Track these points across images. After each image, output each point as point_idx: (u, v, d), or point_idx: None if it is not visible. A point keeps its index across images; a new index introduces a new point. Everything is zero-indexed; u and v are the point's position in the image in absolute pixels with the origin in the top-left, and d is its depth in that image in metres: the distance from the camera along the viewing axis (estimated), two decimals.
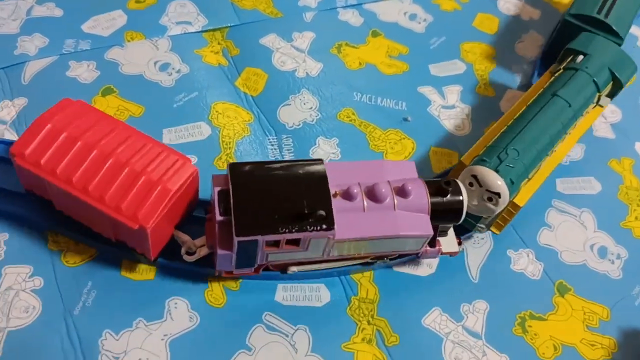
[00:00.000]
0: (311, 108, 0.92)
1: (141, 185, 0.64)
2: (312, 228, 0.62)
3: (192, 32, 1.00)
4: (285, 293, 0.74)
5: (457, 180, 0.70)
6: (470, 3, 1.14)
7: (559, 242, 0.83)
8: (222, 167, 0.83)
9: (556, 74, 0.86)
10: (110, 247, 0.72)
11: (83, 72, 0.91)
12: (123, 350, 0.67)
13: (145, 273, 0.73)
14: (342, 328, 0.72)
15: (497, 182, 0.69)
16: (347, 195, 0.65)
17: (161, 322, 0.69)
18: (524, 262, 0.80)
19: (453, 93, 0.98)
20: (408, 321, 0.73)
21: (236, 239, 0.61)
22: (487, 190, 0.69)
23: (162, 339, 0.68)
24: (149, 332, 0.68)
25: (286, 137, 0.88)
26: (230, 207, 0.61)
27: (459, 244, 0.75)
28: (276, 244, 0.64)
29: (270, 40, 1.01)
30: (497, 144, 0.74)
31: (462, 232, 0.77)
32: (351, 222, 0.65)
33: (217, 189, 0.64)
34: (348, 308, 0.74)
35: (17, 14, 0.98)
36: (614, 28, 0.93)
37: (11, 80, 0.89)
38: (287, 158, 0.86)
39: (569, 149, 0.83)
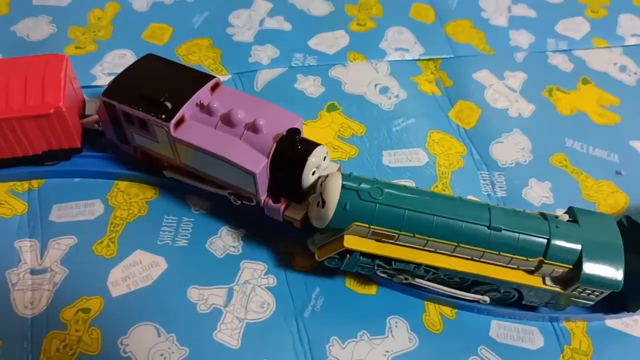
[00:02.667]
0: (523, 149, 0.93)
1: (32, 85, 0.73)
2: (153, 113, 0.70)
3: (408, 60, 1.03)
4: (500, 330, 0.75)
5: (319, 145, 0.68)
6: None
7: None
8: None
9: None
10: None
11: (309, 86, 0.96)
12: (349, 359, 0.70)
13: (368, 288, 0.76)
14: None
15: (332, 191, 0.64)
16: (208, 110, 0.71)
17: (383, 338, 0.72)
18: None
19: None
20: None
21: (101, 98, 0.73)
22: (321, 194, 0.66)
23: (385, 355, 0.71)
24: (372, 346, 0.71)
25: (499, 174, 0.90)
26: None
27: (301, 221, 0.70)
28: (131, 120, 0.73)
29: (483, 75, 1.03)
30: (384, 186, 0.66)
31: None
32: (197, 130, 0.71)
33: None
34: (561, 356, 0.74)
35: (251, 24, 1.04)
36: None
37: (245, 86, 0.95)
38: (499, 195, 0.87)
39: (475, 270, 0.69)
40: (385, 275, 0.72)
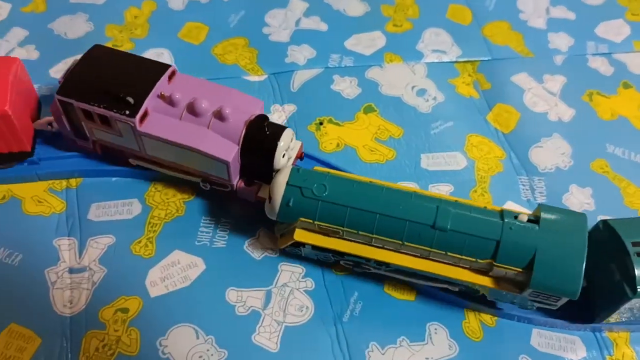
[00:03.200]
0: (563, 153, 0.91)
1: None
2: (115, 110, 0.69)
3: (445, 62, 1.02)
4: (541, 339, 0.73)
5: (286, 128, 0.70)
6: None
7: None
8: (476, 198, 0.84)
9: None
10: None
11: (346, 87, 0.95)
12: None
13: (407, 294, 0.75)
14: None
15: (277, 188, 0.67)
16: (170, 100, 0.70)
17: (422, 345, 0.71)
18: None
19: None
20: None
21: (56, 96, 0.70)
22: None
23: None
24: (411, 352, 0.70)
25: (538, 180, 0.88)
26: None
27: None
28: (91, 117, 0.71)
29: (521, 79, 1.01)
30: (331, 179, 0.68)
31: None
32: (164, 124, 0.70)
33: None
34: None
35: (287, 24, 1.04)
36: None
37: (281, 86, 0.94)
38: (539, 201, 0.86)
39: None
40: (349, 266, 0.73)
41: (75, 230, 0.76)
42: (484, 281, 0.67)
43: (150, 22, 1.02)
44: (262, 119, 0.70)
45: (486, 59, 1.03)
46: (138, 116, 0.70)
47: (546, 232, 0.64)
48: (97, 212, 0.78)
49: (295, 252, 0.74)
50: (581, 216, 0.66)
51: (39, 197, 0.79)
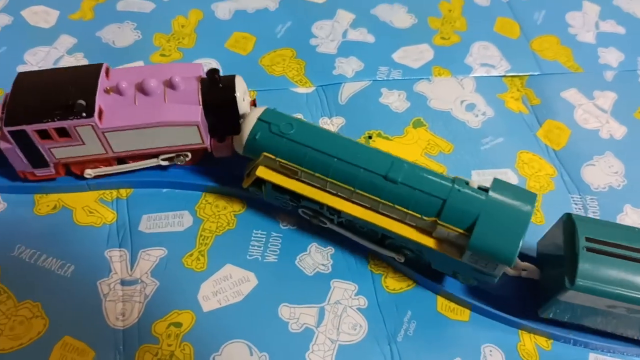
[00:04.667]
0: (617, 172, 0.90)
1: None
2: (72, 117, 0.68)
3: (494, 76, 1.00)
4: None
5: (235, 75, 0.73)
6: None
7: None
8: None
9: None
10: (428, 280, 0.74)
11: (394, 100, 0.94)
12: None
13: (460, 313, 0.73)
14: None
15: (248, 121, 0.71)
16: (118, 90, 0.71)
17: None
18: None
19: None
20: None
21: (5, 129, 0.68)
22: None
23: None
24: None
25: (591, 199, 0.86)
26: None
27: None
28: (48, 135, 0.70)
29: (571, 95, 0.99)
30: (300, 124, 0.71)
31: None
32: (122, 113, 0.70)
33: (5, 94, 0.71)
34: None
35: (334, 35, 1.03)
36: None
37: (329, 99, 0.94)
38: None
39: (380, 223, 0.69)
40: (306, 216, 0.74)
41: (126, 242, 0.76)
42: (427, 241, 0.67)
43: (197, 31, 1.02)
44: (212, 72, 0.72)
45: (535, 73, 1.02)
46: (96, 114, 0.69)
47: (492, 201, 0.64)
48: (148, 223, 0.77)
49: (258, 196, 0.76)
50: (531, 195, 0.66)
51: (89, 207, 0.79)
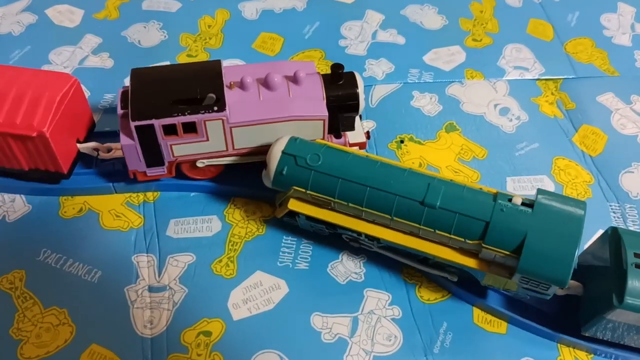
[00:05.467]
0: None
1: (29, 102, 0.68)
2: (204, 110, 0.67)
3: (528, 79, 0.98)
4: None
5: (354, 72, 0.72)
6: None
7: None
8: None
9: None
10: (463, 291, 0.72)
11: (426, 104, 0.92)
12: None
13: (497, 326, 0.71)
14: None
15: (273, 156, 0.68)
16: (242, 85, 0.70)
17: None
18: None
19: None
20: None
21: (132, 124, 0.66)
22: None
23: None
24: None
25: (630, 207, 0.84)
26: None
27: (367, 136, 0.76)
28: (174, 130, 0.68)
29: (607, 99, 0.97)
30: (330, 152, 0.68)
31: None
32: (247, 109, 0.69)
33: (121, 89, 0.71)
34: None
35: (363, 36, 1.01)
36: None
37: None
38: (631, 229, 0.81)
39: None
40: (348, 240, 0.73)
41: (153, 247, 0.74)
42: (472, 263, 0.65)
43: (224, 31, 1.00)
44: (337, 67, 0.71)
45: (570, 77, 0.99)
46: (228, 108, 0.68)
47: (539, 217, 0.61)
48: (176, 228, 0.76)
49: (292, 223, 0.73)
50: (580, 203, 0.63)
51: (116, 210, 0.77)
